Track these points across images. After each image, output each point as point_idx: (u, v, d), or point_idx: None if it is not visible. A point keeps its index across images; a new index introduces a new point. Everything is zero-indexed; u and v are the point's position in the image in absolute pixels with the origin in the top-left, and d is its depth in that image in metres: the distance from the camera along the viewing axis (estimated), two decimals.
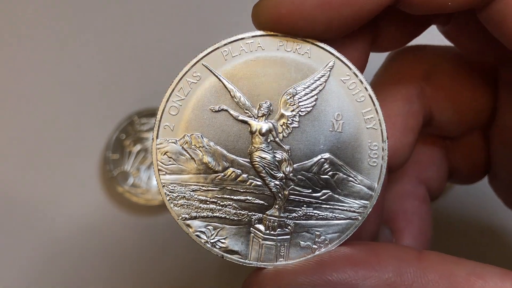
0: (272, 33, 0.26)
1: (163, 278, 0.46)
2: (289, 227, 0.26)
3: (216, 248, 0.26)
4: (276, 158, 0.26)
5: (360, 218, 0.26)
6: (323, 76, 0.26)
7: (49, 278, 0.46)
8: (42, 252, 0.46)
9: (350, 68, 0.26)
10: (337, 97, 0.26)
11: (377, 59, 0.32)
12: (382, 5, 0.25)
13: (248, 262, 0.26)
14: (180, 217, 0.26)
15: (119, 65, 0.50)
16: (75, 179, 0.48)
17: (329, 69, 0.26)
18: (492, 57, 0.31)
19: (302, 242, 0.26)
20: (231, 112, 0.26)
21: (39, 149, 0.49)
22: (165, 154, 0.26)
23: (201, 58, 0.26)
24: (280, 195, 0.26)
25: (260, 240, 0.26)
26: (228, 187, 0.26)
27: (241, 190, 0.26)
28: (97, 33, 0.51)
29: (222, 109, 0.26)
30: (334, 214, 0.26)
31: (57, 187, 0.48)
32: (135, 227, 0.47)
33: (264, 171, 0.26)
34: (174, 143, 0.26)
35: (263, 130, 0.26)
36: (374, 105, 0.26)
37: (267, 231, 0.26)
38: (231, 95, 0.26)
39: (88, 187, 0.48)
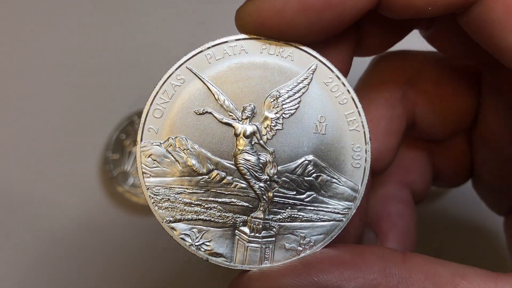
0: (255, 36, 0.26)
1: (163, 278, 0.46)
2: (274, 229, 0.26)
3: (201, 251, 0.26)
4: (261, 160, 0.26)
5: (344, 219, 0.26)
6: (306, 78, 0.27)
7: (48, 278, 0.46)
8: (42, 251, 0.46)
9: (332, 71, 0.27)
10: (320, 99, 0.27)
11: (361, 64, 0.33)
12: (362, 10, 0.26)
13: (233, 264, 0.26)
14: (165, 220, 0.26)
15: (119, 65, 0.51)
16: (75, 179, 0.48)
17: (312, 72, 0.27)
18: (474, 61, 0.31)
19: (287, 244, 0.26)
20: (215, 114, 0.26)
21: (39, 149, 0.48)
22: (149, 157, 0.26)
23: (185, 61, 0.26)
24: (264, 197, 0.26)
25: (245, 242, 0.26)
26: (212, 190, 0.26)
27: (226, 193, 0.26)
28: (97, 33, 0.51)
29: (206, 112, 0.26)
30: (318, 216, 0.26)
31: (57, 187, 0.48)
32: (135, 227, 0.47)
33: (248, 173, 0.26)
34: (158, 145, 0.26)
35: (247, 133, 0.26)
36: (356, 107, 0.27)
37: (252, 234, 0.26)
38: (215, 97, 0.26)
39: (88, 187, 0.48)
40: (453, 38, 0.30)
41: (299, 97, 0.27)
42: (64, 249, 0.46)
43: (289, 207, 0.26)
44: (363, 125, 0.27)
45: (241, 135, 0.26)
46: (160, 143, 0.26)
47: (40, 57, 0.51)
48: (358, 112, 0.27)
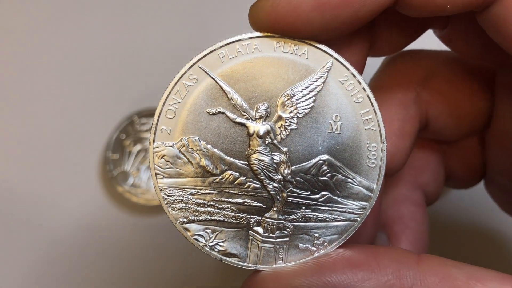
0: (269, 34, 0.26)
1: (163, 278, 0.46)
2: (288, 229, 0.26)
3: (215, 251, 0.26)
4: (274, 161, 0.26)
5: (359, 219, 0.26)
6: (321, 77, 0.26)
7: (49, 278, 0.46)
8: (42, 252, 0.46)
9: (348, 69, 0.26)
10: (335, 98, 0.26)
11: (373, 64, 0.33)
12: (380, 7, 0.25)
13: (247, 265, 0.26)
14: (178, 221, 0.26)
15: (119, 65, 0.50)
16: (75, 179, 0.48)
17: (327, 70, 0.26)
18: (489, 61, 0.31)
19: (301, 244, 0.26)
20: (228, 114, 0.26)
21: (39, 149, 0.48)
22: (162, 157, 0.26)
23: (198, 61, 0.26)
24: (278, 197, 0.26)
25: (259, 242, 0.26)
26: (226, 190, 0.26)
27: (239, 193, 0.26)
28: (97, 33, 0.51)
29: (219, 112, 0.26)
30: (332, 216, 0.26)
31: (57, 187, 0.48)
32: (135, 227, 0.47)
33: (262, 173, 0.26)
34: (171, 146, 0.26)
35: (261, 132, 0.26)
36: (372, 106, 0.26)
37: (266, 234, 0.26)
38: (228, 97, 0.26)
39: (88, 187, 0.48)
40: (468, 38, 0.29)
41: (314, 95, 0.26)
42: (64, 249, 0.46)
43: (303, 207, 0.26)
44: (378, 124, 0.26)
45: (255, 135, 0.26)
46: (173, 143, 0.26)
47: (40, 57, 0.50)
48: (374, 110, 0.26)
